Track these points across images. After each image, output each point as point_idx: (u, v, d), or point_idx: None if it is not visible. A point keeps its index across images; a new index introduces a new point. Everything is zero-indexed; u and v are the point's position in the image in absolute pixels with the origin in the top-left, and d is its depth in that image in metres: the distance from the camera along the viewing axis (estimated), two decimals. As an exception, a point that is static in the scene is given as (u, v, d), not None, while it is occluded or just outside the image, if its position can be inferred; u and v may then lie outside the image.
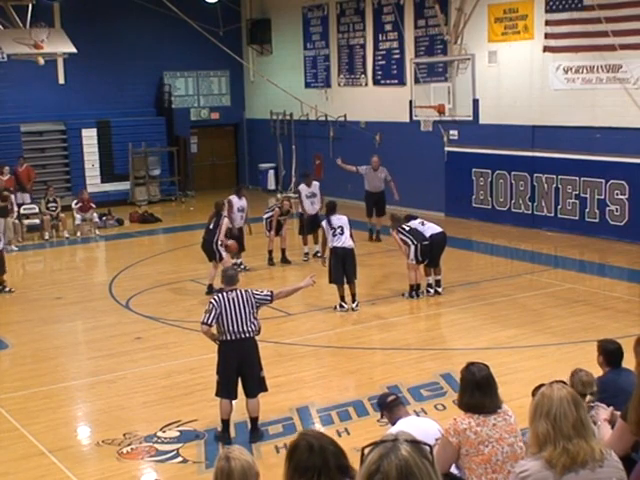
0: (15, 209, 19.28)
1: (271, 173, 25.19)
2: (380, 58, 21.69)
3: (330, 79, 23.26)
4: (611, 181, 16.72)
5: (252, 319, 8.15)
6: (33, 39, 19.06)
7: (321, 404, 9.14)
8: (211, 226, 14.03)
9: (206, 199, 19.49)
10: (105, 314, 13.13)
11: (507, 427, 5.07)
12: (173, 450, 8.13)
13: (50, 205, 19.79)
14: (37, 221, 19.95)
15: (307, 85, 24.03)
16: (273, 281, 15.13)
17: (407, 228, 13.06)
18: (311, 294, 13.36)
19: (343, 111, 22.64)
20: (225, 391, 8.23)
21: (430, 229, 13.16)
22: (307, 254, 16.26)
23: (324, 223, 13.09)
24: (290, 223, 16.64)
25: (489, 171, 19.23)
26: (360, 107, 22.24)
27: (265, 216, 16.04)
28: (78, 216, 19.81)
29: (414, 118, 20.72)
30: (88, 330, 12.77)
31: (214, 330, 8.23)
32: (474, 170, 19.56)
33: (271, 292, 8.41)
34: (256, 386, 8.29)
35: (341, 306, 12.74)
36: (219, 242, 13.92)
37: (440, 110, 19.79)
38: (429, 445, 2.60)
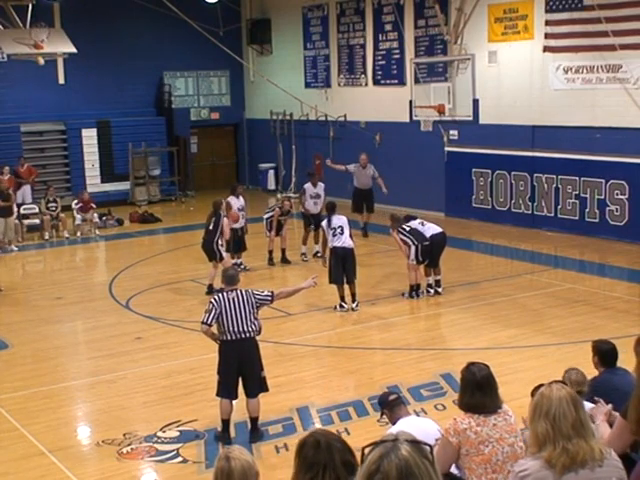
0: (15, 209, 19.29)
1: (271, 173, 25.19)
2: (380, 58, 21.69)
3: (330, 79, 23.26)
4: (611, 181, 16.72)
5: (252, 319, 8.14)
6: (33, 39, 19.06)
7: (321, 404, 9.14)
8: (210, 226, 14.01)
9: (206, 199, 19.45)
10: (105, 314, 13.13)
11: (507, 427, 5.07)
12: (173, 450, 8.13)
13: (50, 205, 19.79)
14: (37, 221, 19.96)
15: (307, 85, 24.04)
16: (273, 281, 15.14)
17: (407, 228, 13.06)
18: (311, 294, 13.35)
19: (343, 111, 22.64)
20: (225, 391, 8.23)
21: (430, 229, 13.16)
22: (304, 254, 16.25)
23: (324, 223, 13.10)
24: (290, 223, 16.63)
25: (489, 171, 19.23)
26: (360, 107, 22.24)
27: (265, 216, 16.04)
28: (78, 216, 19.82)
29: (414, 118, 20.72)
30: (88, 330, 12.77)
31: (214, 330, 8.23)
32: (474, 170, 19.56)
33: (272, 292, 8.42)
34: (256, 386, 8.28)
35: (341, 306, 12.74)
36: (219, 242, 13.92)
37: (440, 110, 19.79)
38: (429, 445, 2.61)
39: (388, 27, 21.30)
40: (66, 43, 19.97)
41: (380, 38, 21.59)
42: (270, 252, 15.88)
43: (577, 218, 17.43)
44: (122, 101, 24.09)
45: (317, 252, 15.91)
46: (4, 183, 19.10)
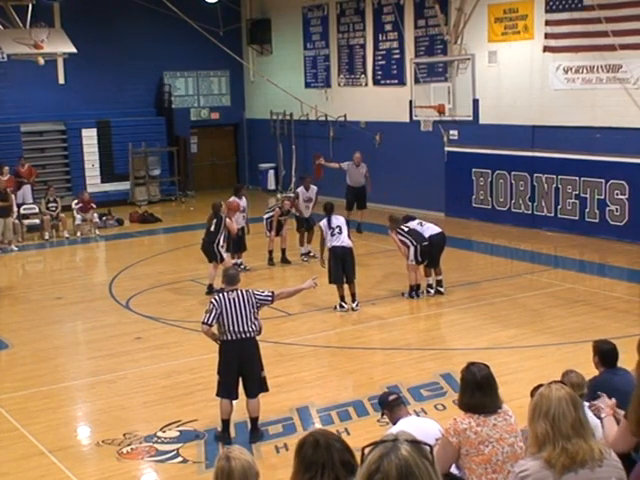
0: (15, 209, 19.29)
1: (271, 173, 25.19)
2: (380, 58, 21.69)
3: (330, 79, 23.26)
4: (611, 181, 16.72)
5: (253, 319, 8.15)
6: (33, 39, 19.05)
7: (321, 404, 9.14)
8: (212, 228, 14.00)
9: (206, 199, 19.47)
10: (105, 314, 13.13)
11: (507, 427, 5.07)
12: (173, 450, 8.13)
13: (50, 205, 19.79)
14: (37, 221, 19.95)
15: (307, 85, 24.04)
16: (273, 281, 15.14)
17: (406, 229, 13.05)
18: (311, 294, 13.34)
19: (343, 111, 22.64)
20: (225, 391, 8.23)
21: (429, 230, 13.16)
22: (304, 254, 16.24)
23: (323, 223, 13.09)
24: (290, 223, 16.65)
25: (489, 171, 19.23)
26: (360, 107, 22.24)
27: (265, 216, 16.06)
28: (78, 216, 19.82)
29: (414, 118, 20.72)
30: (88, 330, 12.77)
31: (215, 330, 8.24)
32: (474, 170, 19.56)
33: (272, 292, 8.42)
34: (257, 386, 8.29)
35: (341, 306, 12.74)
36: (220, 244, 13.91)
37: (440, 110, 19.79)
38: (429, 445, 2.61)
39: (388, 27, 21.29)
40: (66, 43, 19.97)
41: (380, 38, 21.59)
42: (270, 252, 15.88)
43: (577, 218, 17.43)
44: (122, 101, 24.09)
45: (309, 252, 16.07)
46: (2, 183, 19.10)
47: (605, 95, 16.58)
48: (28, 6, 19.76)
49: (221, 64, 25.21)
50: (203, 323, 8.20)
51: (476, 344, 10.97)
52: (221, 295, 8.23)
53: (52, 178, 22.88)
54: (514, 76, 18.33)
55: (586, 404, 5.38)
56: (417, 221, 13.34)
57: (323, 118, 23.06)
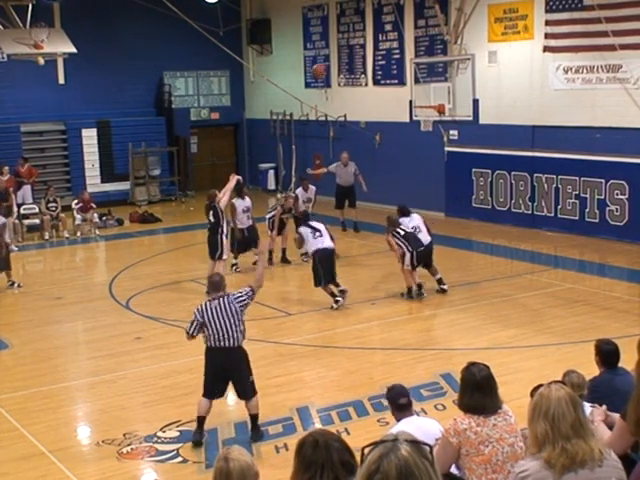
0: (15, 209, 19.29)
1: (271, 173, 25.19)
2: (380, 58, 21.69)
3: (330, 79, 23.25)
4: (611, 181, 16.72)
5: (236, 327, 8.06)
6: (33, 39, 19.06)
7: (321, 404, 9.14)
8: (211, 219, 13.93)
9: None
10: (105, 314, 13.13)
11: (507, 427, 5.07)
12: (173, 450, 8.14)
13: (50, 205, 19.79)
14: (37, 221, 19.95)
15: (307, 85, 24.04)
16: (273, 281, 15.13)
17: (402, 232, 12.98)
18: (311, 294, 13.37)
19: (343, 111, 22.64)
20: (208, 392, 8.25)
21: (424, 237, 13.12)
22: (304, 254, 16.24)
23: (303, 229, 13.07)
24: (290, 223, 16.65)
25: (489, 171, 19.23)
26: (360, 107, 22.24)
27: (268, 216, 16.07)
28: (78, 216, 19.82)
29: (414, 118, 20.72)
30: (88, 330, 12.77)
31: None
32: (474, 170, 19.56)
33: (250, 287, 8.34)
34: (248, 390, 8.28)
35: (336, 302, 12.74)
36: (224, 234, 13.79)
37: (440, 110, 19.79)
38: (429, 445, 2.61)
39: (388, 27, 21.29)
40: (66, 43, 19.97)
41: (380, 38, 21.58)
42: (270, 252, 15.86)
43: (577, 218, 17.43)
44: (122, 101, 24.09)
45: (307, 252, 16.06)
46: (2, 183, 19.10)
47: (605, 95, 16.58)
48: (28, 6, 19.76)
49: (221, 64, 25.20)
50: (186, 332, 8.25)
51: (476, 344, 10.97)
52: (204, 305, 8.19)
53: (52, 178, 22.88)
54: (514, 76, 18.33)
55: (587, 404, 5.38)
56: (413, 224, 13.22)
57: (323, 118, 23.06)
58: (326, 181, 19.32)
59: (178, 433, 8.48)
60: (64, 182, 23.53)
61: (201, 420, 8.25)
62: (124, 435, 8.45)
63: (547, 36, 17.45)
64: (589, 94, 16.85)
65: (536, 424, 3.77)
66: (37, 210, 20.17)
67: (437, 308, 13.04)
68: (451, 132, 20.00)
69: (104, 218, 20.68)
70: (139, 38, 24.16)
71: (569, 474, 3.70)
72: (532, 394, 4.14)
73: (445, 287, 13.39)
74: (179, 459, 7.97)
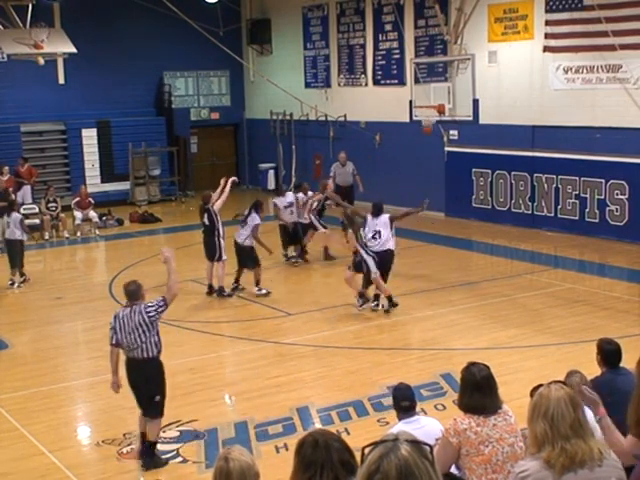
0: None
1: (271, 173, 25.18)
2: (380, 58, 21.69)
3: (330, 79, 23.26)
4: (611, 181, 16.72)
5: (145, 340, 7.70)
6: (33, 39, 19.06)
7: (321, 404, 9.14)
8: (206, 222, 13.79)
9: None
10: (105, 314, 13.01)
11: (507, 427, 5.07)
12: (173, 450, 8.14)
13: (50, 205, 19.79)
14: (37, 221, 19.93)
15: (307, 85, 24.04)
16: (273, 281, 15.09)
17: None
18: (311, 294, 13.36)
19: (343, 111, 22.65)
20: (138, 405, 7.99)
21: (379, 245, 12.40)
22: (302, 253, 16.22)
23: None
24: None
25: (489, 171, 19.23)
26: (360, 107, 22.24)
27: (312, 206, 16.11)
28: (78, 214, 19.78)
29: (414, 118, 20.72)
30: (88, 330, 12.76)
31: (120, 351, 7.90)
32: (474, 170, 19.56)
33: (163, 297, 7.84)
34: (151, 408, 7.89)
35: (259, 290, 13.47)
36: (221, 235, 13.74)
37: (440, 110, 19.78)
38: (429, 445, 2.61)
39: (388, 27, 21.30)
40: (66, 43, 19.97)
41: (380, 38, 21.59)
42: (325, 248, 16.07)
43: (577, 218, 17.43)
44: (122, 101, 24.09)
45: (293, 256, 16.08)
46: (2, 183, 19.09)
47: (605, 95, 16.58)
48: (28, 6, 19.77)
49: (221, 64, 25.21)
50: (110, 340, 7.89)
51: (476, 344, 10.97)
52: (117, 312, 7.90)
53: (52, 178, 22.89)
54: (514, 76, 18.33)
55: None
56: (377, 226, 12.43)
57: (323, 118, 23.06)
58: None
59: (178, 433, 8.49)
60: (64, 182, 23.54)
61: (142, 436, 7.94)
62: (124, 435, 8.46)
63: (547, 36, 17.45)
64: (589, 94, 16.86)
65: (535, 424, 3.77)
66: (37, 210, 20.17)
67: (437, 308, 13.03)
68: (451, 132, 20.00)
69: (104, 218, 20.68)
70: (139, 38, 24.17)
71: (569, 474, 3.70)
72: (532, 394, 4.13)
73: (378, 308, 12.64)
74: (179, 459, 7.97)
